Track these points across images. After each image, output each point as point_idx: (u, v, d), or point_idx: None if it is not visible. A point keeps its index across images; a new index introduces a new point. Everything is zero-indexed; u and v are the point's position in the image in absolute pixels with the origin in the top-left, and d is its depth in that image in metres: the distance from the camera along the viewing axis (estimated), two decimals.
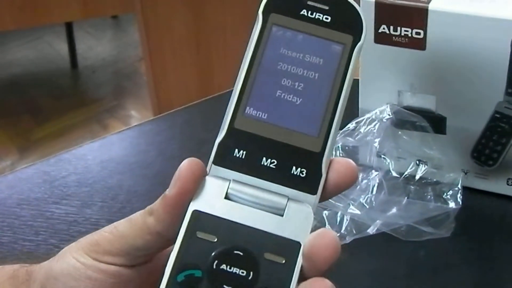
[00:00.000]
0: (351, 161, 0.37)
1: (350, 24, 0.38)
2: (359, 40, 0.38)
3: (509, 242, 0.63)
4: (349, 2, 0.39)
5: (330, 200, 0.60)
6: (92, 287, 0.38)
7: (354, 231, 0.61)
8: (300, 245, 0.35)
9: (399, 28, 0.62)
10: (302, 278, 0.35)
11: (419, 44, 0.62)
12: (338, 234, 0.61)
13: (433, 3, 0.60)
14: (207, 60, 1.90)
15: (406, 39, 0.62)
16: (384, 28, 0.62)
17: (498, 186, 0.66)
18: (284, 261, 0.35)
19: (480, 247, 0.62)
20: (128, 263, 0.38)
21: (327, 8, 0.38)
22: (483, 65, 0.60)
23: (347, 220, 0.61)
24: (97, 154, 0.76)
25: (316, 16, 0.38)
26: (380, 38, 0.63)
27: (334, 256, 0.34)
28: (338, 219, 0.61)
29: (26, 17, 2.09)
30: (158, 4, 1.80)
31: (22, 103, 2.33)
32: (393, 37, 0.62)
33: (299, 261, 0.35)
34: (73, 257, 0.38)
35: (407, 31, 0.62)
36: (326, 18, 0.38)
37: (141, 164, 0.74)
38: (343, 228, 0.61)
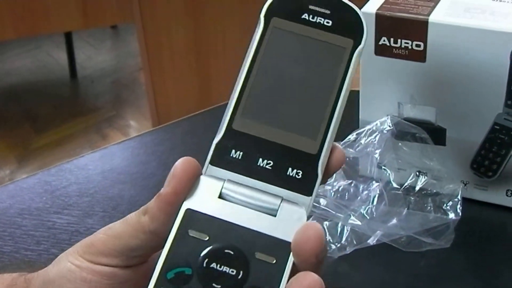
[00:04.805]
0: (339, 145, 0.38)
1: (351, 28, 0.39)
2: (360, 43, 0.38)
3: (508, 253, 0.63)
4: (350, 6, 0.39)
5: (330, 210, 0.61)
6: None
7: (355, 242, 0.61)
8: None
9: (399, 40, 0.62)
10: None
11: (419, 56, 0.62)
12: (339, 245, 0.61)
13: (433, 16, 0.61)
14: (207, 70, 1.90)
15: (406, 51, 0.63)
16: (384, 40, 0.63)
17: (497, 197, 0.66)
18: (274, 261, 0.35)
19: (479, 257, 0.63)
20: (122, 263, 0.38)
21: (328, 12, 0.39)
22: (483, 77, 0.61)
23: (347, 230, 0.61)
24: (98, 164, 0.77)
25: (318, 20, 0.39)
26: (381, 50, 0.63)
27: (318, 247, 0.34)
28: (339, 229, 0.61)
29: (26, 27, 2.10)
30: (157, 14, 1.81)
31: (21, 112, 2.33)
32: (394, 49, 0.63)
33: (290, 261, 0.35)
34: (68, 260, 0.39)
35: (407, 43, 0.62)
36: (327, 22, 0.39)
37: (142, 175, 0.75)
38: (344, 238, 0.61)
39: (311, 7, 0.39)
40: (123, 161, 0.78)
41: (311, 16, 0.39)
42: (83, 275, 0.38)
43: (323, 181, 0.37)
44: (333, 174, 0.38)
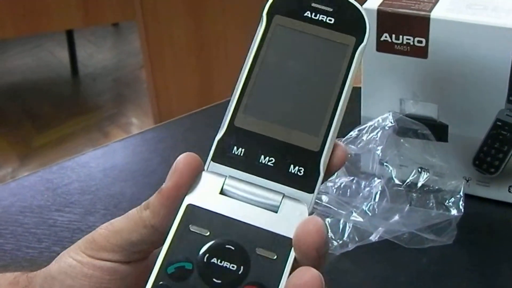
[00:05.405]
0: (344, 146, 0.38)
1: (353, 25, 0.39)
2: (362, 41, 0.39)
3: (511, 249, 0.63)
4: (353, 4, 0.39)
5: (332, 207, 0.61)
6: (88, 284, 0.38)
7: (357, 239, 0.61)
8: None
9: (401, 37, 0.62)
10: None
11: (421, 52, 0.62)
12: (341, 242, 0.61)
13: (435, 12, 0.61)
14: (208, 68, 1.90)
15: (408, 48, 0.62)
16: (386, 37, 0.63)
17: (499, 193, 0.66)
18: (275, 257, 0.35)
19: (482, 254, 0.63)
20: (123, 259, 0.38)
21: (331, 10, 0.39)
22: (485, 73, 0.60)
23: (349, 227, 0.61)
24: (100, 161, 0.77)
25: (320, 18, 0.39)
26: (382, 47, 0.63)
27: (319, 240, 0.34)
28: (341, 226, 0.61)
29: (27, 25, 2.10)
30: (159, 12, 1.81)
31: (23, 111, 2.33)
32: (395, 46, 0.63)
33: (291, 257, 0.35)
34: (69, 256, 0.39)
35: (409, 39, 0.62)
36: (330, 20, 0.39)
37: (143, 172, 0.75)
38: (346, 235, 0.61)
39: (313, 4, 0.39)
40: (125, 158, 0.78)
41: (313, 14, 0.39)
42: (84, 271, 0.38)
43: (325, 179, 0.37)
44: (335, 172, 0.38)
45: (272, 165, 0.37)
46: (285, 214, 0.36)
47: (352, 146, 0.63)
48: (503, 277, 0.61)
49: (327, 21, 0.39)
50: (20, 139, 2.21)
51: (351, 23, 0.39)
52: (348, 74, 0.38)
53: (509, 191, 0.66)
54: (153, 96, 1.92)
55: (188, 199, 0.36)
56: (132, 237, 0.38)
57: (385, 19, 0.62)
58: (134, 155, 0.79)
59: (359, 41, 0.39)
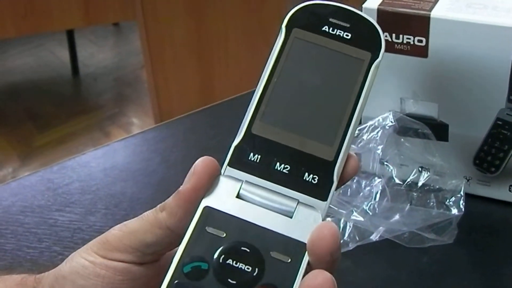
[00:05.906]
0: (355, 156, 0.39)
1: (369, 41, 0.40)
2: (377, 57, 0.40)
3: (511, 248, 0.63)
4: (369, 21, 0.40)
5: (333, 207, 0.61)
6: (100, 284, 0.38)
7: (357, 238, 0.61)
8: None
9: (401, 36, 0.62)
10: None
11: (422, 51, 0.62)
12: (341, 241, 0.61)
13: (435, 11, 0.61)
14: (208, 67, 1.90)
15: (409, 47, 0.62)
16: (386, 36, 0.63)
17: (500, 192, 0.66)
18: (290, 260, 0.36)
19: (482, 253, 0.63)
20: (137, 260, 0.39)
21: (348, 25, 0.40)
22: (485, 72, 0.60)
23: (350, 227, 0.61)
24: (101, 161, 0.77)
25: (337, 33, 0.40)
26: None
27: (333, 245, 0.35)
28: (341, 226, 0.61)
29: (28, 25, 2.10)
30: (159, 12, 1.81)
31: (24, 110, 2.33)
32: (396, 45, 0.63)
33: (305, 260, 0.36)
34: (81, 257, 0.39)
35: (409, 38, 0.62)
36: (347, 35, 0.40)
37: (144, 172, 0.75)
38: (346, 235, 0.61)
39: (331, 20, 0.40)
40: (125, 158, 0.78)
41: (331, 28, 0.40)
42: (97, 271, 0.38)
43: (338, 187, 0.38)
44: (347, 181, 0.39)
45: (287, 172, 0.38)
46: (300, 219, 0.37)
47: (353, 146, 0.63)
48: (504, 276, 0.61)
49: (344, 36, 0.40)
50: (20, 139, 2.21)
51: (367, 39, 0.40)
52: (363, 88, 0.39)
53: (510, 191, 0.65)
54: (154, 96, 1.92)
55: (205, 202, 0.37)
56: (147, 238, 0.38)
57: (385, 18, 0.62)
58: (135, 155, 0.79)
59: (375, 56, 0.40)
